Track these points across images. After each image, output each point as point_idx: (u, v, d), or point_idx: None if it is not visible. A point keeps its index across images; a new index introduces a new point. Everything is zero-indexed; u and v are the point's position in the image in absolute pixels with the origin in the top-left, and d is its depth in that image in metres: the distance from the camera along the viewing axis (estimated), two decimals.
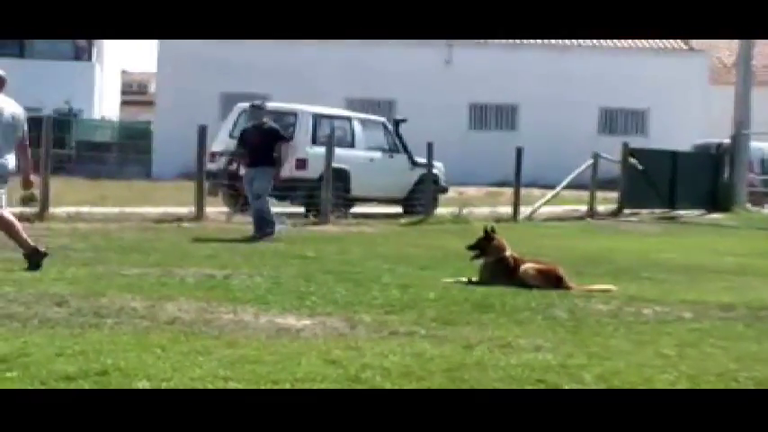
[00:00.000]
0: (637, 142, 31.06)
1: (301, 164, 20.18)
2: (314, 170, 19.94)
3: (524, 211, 22.63)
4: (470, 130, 43.24)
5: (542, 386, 6.05)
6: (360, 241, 15.67)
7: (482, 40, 43.52)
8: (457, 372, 6.32)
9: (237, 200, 18.91)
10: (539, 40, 43.81)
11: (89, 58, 46.96)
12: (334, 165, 19.58)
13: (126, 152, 42.57)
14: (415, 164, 22.45)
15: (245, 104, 21.00)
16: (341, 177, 20.37)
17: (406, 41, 42.79)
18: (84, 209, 18.07)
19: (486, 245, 10.95)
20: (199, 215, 18.02)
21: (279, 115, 20.82)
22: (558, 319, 8.61)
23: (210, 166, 19.44)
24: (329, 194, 19.21)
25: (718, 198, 28.47)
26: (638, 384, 6.15)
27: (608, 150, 26.46)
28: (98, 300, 8.66)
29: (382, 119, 23.70)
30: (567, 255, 13.86)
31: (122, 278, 10.16)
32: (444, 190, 23.54)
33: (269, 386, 5.82)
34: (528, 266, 10.69)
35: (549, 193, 24.79)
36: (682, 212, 26.57)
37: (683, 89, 43.11)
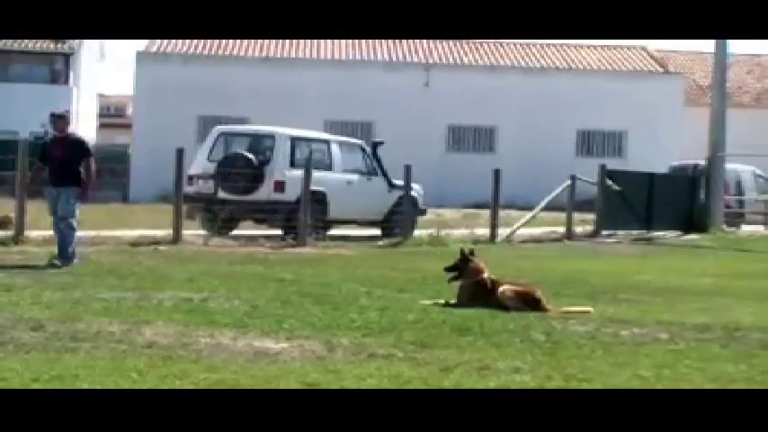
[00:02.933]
0: (614, 164, 31.20)
1: (279, 186, 20.21)
2: (292, 193, 19.89)
3: (502, 232, 22.65)
4: (448, 152, 43.33)
5: None
6: (337, 264, 15.66)
7: (459, 63, 43.72)
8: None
9: (215, 222, 19.33)
10: (516, 63, 44.03)
11: (66, 82, 46.91)
12: (313, 187, 19.53)
13: (102, 175, 42.39)
14: (392, 186, 22.42)
15: (223, 127, 22.37)
16: (319, 200, 20.31)
17: (384, 64, 43.02)
18: None
19: (463, 266, 10.96)
20: (176, 238, 17.98)
21: (256, 138, 21.55)
22: (536, 341, 8.62)
23: (188, 189, 19.50)
24: (307, 217, 19.17)
25: (694, 219, 28.57)
26: None
27: (586, 172, 26.54)
28: (74, 324, 8.63)
29: (360, 141, 23.81)
30: (544, 276, 13.88)
31: (99, 302, 10.12)
32: (422, 212, 23.56)
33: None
34: (505, 288, 10.69)
35: (527, 215, 24.83)
36: (658, 234, 26.63)
37: (659, 111, 43.35)
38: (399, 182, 22.02)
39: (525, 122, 42.75)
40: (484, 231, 22.73)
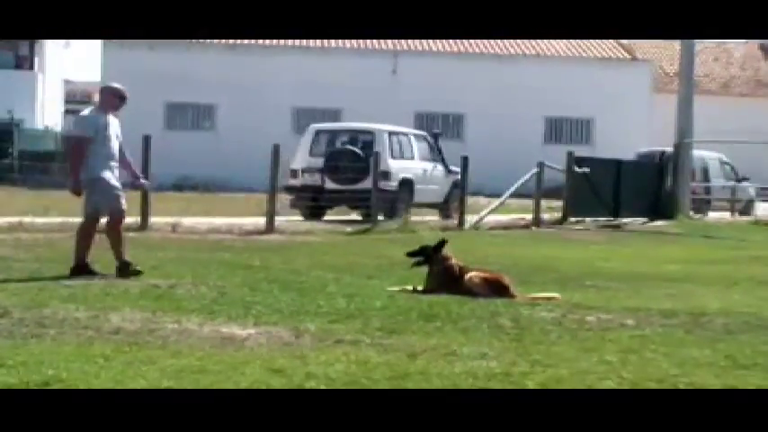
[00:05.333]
0: (582, 151, 31.28)
1: (385, 175, 22.71)
2: (395, 180, 23.17)
3: (470, 219, 22.69)
4: None
5: None
6: (305, 251, 15.66)
7: (427, 50, 43.71)
8: (401, 380, 6.34)
9: (312, 210, 22.40)
10: (484, 50, 44.05)
11: (31, 68, 46.60)
12: (403, 175, 23.25)
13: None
14: (449, 172, 25.30)
15: (319, 125, 25.61)
16: (408, 186, 23.37)
17: (353, 51, 42.96)
18: (27, 219, 17.91)
19: (433, 254, 10.97)
20: (143, 225, 17.92)
21: (353, 133, 24.68)
22: (503, 327, 8.64)
23: (292, 182, 23.25)
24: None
25: (661, 206, 28.72)
26: None
27: (554, 159, 26.62)
28: (41, 310, 8.60)
29: (424, 132, 26.85)
30: (512, 263, 13.92)
31: (66, 289, 10.08)
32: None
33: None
34: (473, 275, 10.71)
35: (495, 202, 24.89)
36: (625, 220, 26.76)
37: (627, 98, 43.52)
38: (455, 168, 24.56)
39: (493, 109, 42.82)
40: (414, 219, 22.76)
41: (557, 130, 44.69)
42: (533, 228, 23.42)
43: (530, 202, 24.76)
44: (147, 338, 7.58)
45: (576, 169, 25.50)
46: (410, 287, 10.81)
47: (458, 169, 23.92)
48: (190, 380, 6.14)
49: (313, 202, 22.76)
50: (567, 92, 43.47)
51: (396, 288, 10.84)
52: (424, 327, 8.49)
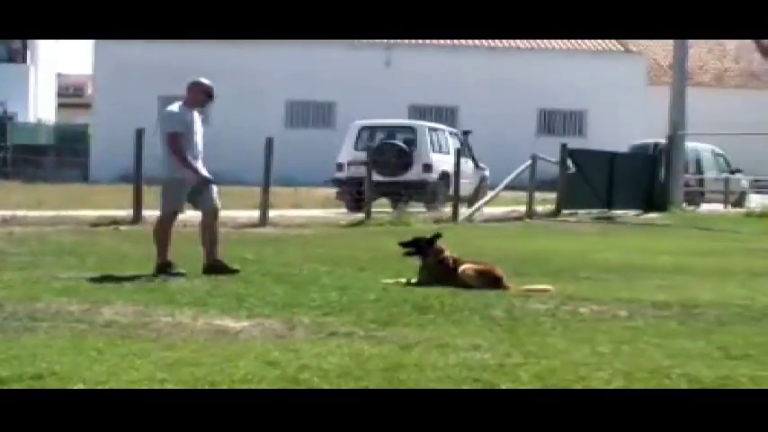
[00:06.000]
0: (575, 143, 31.31)
1: (427, 168, 24.82)
2: (435, 172, 24.86)
3: (464, 212, 22.69)
4: None
5: (479, 385, 6.08)
6: (298, 243, 15.65)
7: (421, 42, 43.69)
8: (394, 372, 6.34)
9: (357, 203, 23.20)
10: (478, 43, 44.04)
11: (23, 61, 46.55)
12: (443, 168, 24.63)
13: (63, 155, 42.22)
14: (477, 167, 27.19)
15: (362, 122, 26.96)
16: (446, 179, 24.51)
17: (346, 44, 42.92)
18: (20, 212, 17.90)
19: (427, 247, 10.97)
20: (136, 218, 17.91)
21: (395, 129, 26.54)
22: (496, 318, 8.65)
23: (338, 175, 25.08)
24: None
25: (654, 198, 28.74)
26: (574, 382, 6.21)
27: (547, 151, 26.63)
28: (33, 304, 8.60)
29: (456, 130, 28.74)
30: (505, 255, 13.92)
31: (58, 282, 10.08)
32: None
33: (207, 388, 5.81)
34: (466, 267, 10.72)
35: (489, 195, 24.89)
36: (619, 212, 26.78)
37: (620, 90, 43.54)
38: (483, 164, 27.21)
39: (487, 102, 42.82)
40: (446, 210, 22.79)
41: (550, 122, 44.71)
42: (527, 220, 23.43)
43: (523, 195, 24.78)
44: (140, 331, 7.58)
45: (569, 165, 25.52)
46: (404, 280, 10.81)
47: (485, 165, 26.57)
48: (183, 373, 6.14)
49: (357, 194, 23.78)
50: (561, 84, 43.49)
51: (389, 280, 10.84)
52: (418, 319, 8.49)
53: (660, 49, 49.45)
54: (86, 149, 42.53)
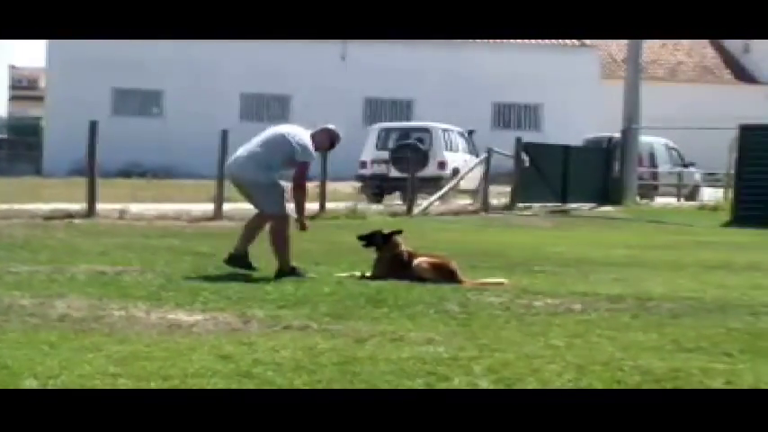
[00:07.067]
0: (531, 137, 31.49)
1: (441, 165, 27.35)
2: (449, 169, 27.15)
3: (419, 205, 22.73)
4: (365, 125, 43.29)
5: (433, 378, 6.09)
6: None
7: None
8: (348, 365, 6.34)
9: (378, 197, 26.27)
10: None
11: None
12: (455, 164, 27.10)
13: (15, 148, 41.92)
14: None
15: (383, 124, 30.81)
16: (457, 174, 26.24)
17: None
18: None
19: (383, 241, 10.97)
20: (90, 212, 17.79)
21: (412, 130, 29.42)
22: (451, 312, 8.67)
23: (362, 171, 27.82)
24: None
25: (608, 191, 28.92)
26: (527, 375, 6.23)
27: (502, 145, 26.71)
28: None
29: (462, 129, 30.27)
30: (460, 249, 13.96)
31: (11, 276, 10.00)
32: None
33: (159, 382, 5.79)
34: (421, 260, 10.73)
35: (444, 188, 24.93)
36: (573, 206, 26.91)
37: (575, 84, 43.73)
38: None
39: (442, 95, 42.86)
40: (401, 204, 22.82)
41: (505, 115, 44.81)
42: (482, 213, 23.50)
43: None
44: (93, 325, 7.54)
45: (524, 157, 25.64)
46: (358, 273, 10.81)
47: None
48: (136, 367, 6.11)
49: (377, 189, 26.96)
50: (516, 78, 43.62)
51: (344, 274, 10.84)
52: (372, 312, 8.50)
53: (614, 44, 49.72)
54: (39, 142, 42.19)
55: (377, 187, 26.93)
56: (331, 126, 11.44)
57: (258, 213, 11.33)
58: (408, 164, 24.62)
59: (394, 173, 26.41)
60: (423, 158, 26.59)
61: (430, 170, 26.13)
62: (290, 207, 11.07)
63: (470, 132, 30.33)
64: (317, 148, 11.22)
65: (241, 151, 11.13)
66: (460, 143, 29.26)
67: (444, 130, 29.16)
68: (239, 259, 11.06)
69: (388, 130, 29.58)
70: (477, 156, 28.27)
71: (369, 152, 28.49)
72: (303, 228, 11.11)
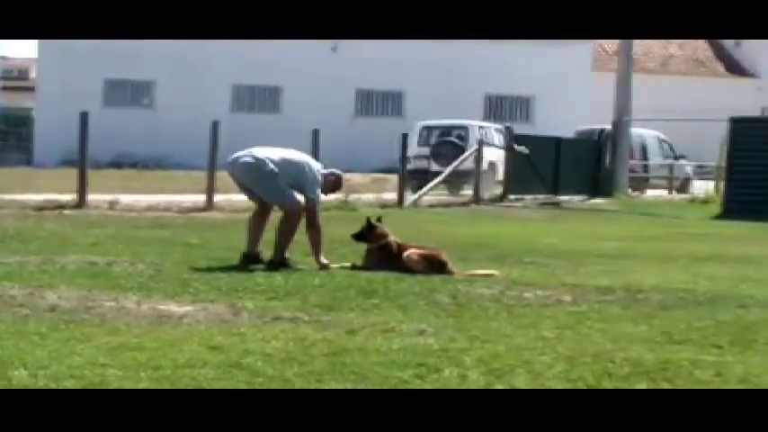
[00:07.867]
0: (523, 129, 31.50)
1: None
2: (485, 163, 26.80)
3: (410, 197, 22.73)
4: (357, 117, 43.30)
5: (424, 370, 6.10)
6: (244, 228, 15.54)
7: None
8: (339, 356, 6.34)
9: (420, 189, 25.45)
10: None
11: None
12: (491, 158, 27.55)
13: (6, 139, 41.82)
14: None
15: (425, 122, 32.09)
16: (493, 167, 27.55)
17: None
18: None
19: (368, 233, 10.97)
20: (81, 202, 17.77)
21: (451, 128, 31.18)
22: (441, 303, 8.67)
23: (409, 166, 26.70)
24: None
25: (600, 184, 28.96)
26: (517, 366, 6.24)
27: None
28: None
29: (499, 125, 31.31)
30: (451, 240, 13.96)
31: (1, 266, 9.98)
32: None
33: (149, 372, 5.78)
34: (411, 252, 10.74)
35: (435, 179, 24.95)
36: (564, 198, 26.94)
37: (567, 76, 43.69)
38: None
39: (433, 87, 42.84)
40: (392, 196, 22.83)
41: (497, 108, 44.79)
42: (473, 205, 23.51)
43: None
44: (83, 316, 7.53)
45: (516, 147, 25.65)
46: (348, 264, 10.81)
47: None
48: (126, 357, 6.11)
49: (419, 181, 26.98)
50: (508, 70, 43.57)
51: (334, 265, 10.83)
52: (363, 304, 8.50)
53: None
54: (30, 133, 42.09)
55: (419, 180, 27.22)
56: (339, 172, 11.48)
57: (256, 212, 11.22)
58: (446, 158, 26.38)
59: (434, 167, 27.82)
60: (461, 153, 27.41)
61: (465, 165, 26.74)
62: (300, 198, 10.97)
63: (508, 128, 30.31)
64: (323, 190, 11.24)
65: (255, 153, 10.91)
66: (496, 138, 30.07)
67: (481, 127, 31.18)
68: (253, 258, 10.95)
69: (429, 128, 31.44)
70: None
71: (412, 148, 28.90)
72: (324, 268, 10.73)
